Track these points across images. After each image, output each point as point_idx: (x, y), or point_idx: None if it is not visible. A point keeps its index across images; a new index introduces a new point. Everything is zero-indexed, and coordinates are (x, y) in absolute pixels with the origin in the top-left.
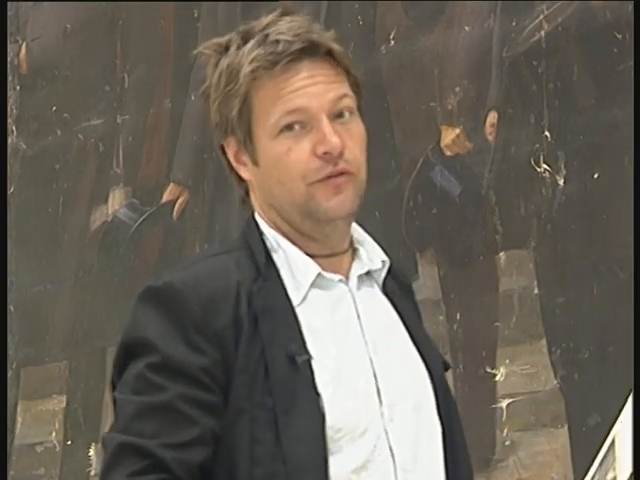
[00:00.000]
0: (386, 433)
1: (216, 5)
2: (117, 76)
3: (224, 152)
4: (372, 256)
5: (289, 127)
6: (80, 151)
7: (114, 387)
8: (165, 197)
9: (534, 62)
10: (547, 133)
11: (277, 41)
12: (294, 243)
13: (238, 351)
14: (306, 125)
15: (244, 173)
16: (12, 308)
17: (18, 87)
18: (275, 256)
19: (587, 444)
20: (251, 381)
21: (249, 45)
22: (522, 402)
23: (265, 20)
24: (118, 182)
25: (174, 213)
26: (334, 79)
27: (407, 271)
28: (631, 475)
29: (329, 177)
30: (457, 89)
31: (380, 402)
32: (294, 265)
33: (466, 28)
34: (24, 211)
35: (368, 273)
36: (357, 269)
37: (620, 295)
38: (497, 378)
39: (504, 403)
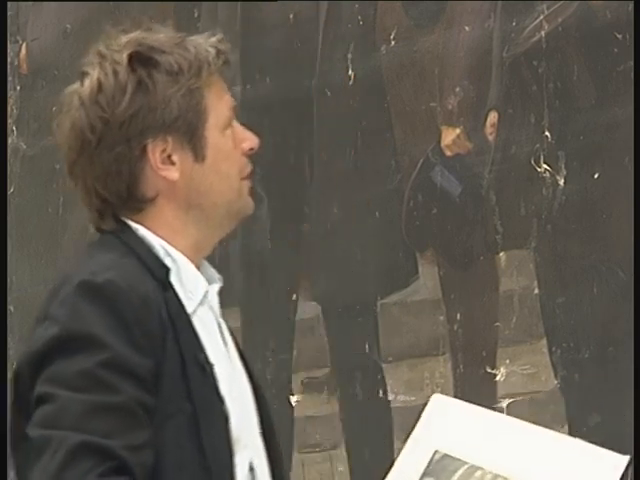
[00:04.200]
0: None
1: (216, 5)
2: None
3: (143, 154)
4: (210, 272)
5: (230, 124)
6: None
7: (19, 378)
8: None
9: (534, 62)
10: (547, 133)
11: (217, 45)
12: (182, 253)
13: (165, 355)
14: None
15: (172, 173)
16: (12, 308)
17: (18, 87)
18: (165, 263)
19: None
20: (174, 386)
21: (200, 43)
22: (522, 402)
23: (165, 36)
24: None
25: None
26: None
27: None
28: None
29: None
30: (457, 89)
31: (243, 413)
32: (184, 276)
33: (466, 28)
34: (24, 211)
35: None
36: (212, 289)
37: (620, 295)
38: (497, 378)
39: (504, 403)
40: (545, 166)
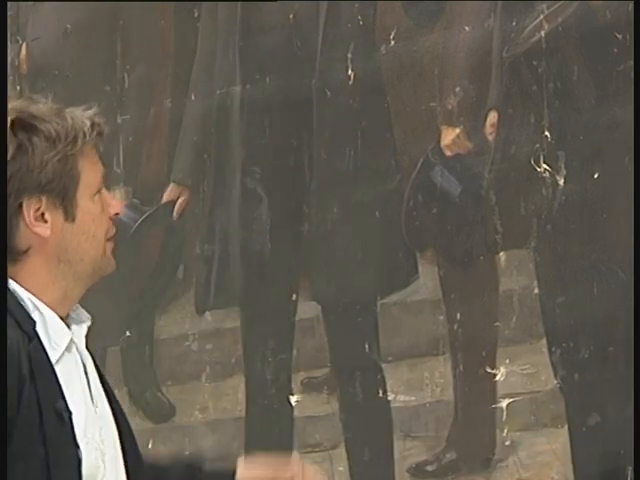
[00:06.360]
0: None
1: (216, 5)
2: (117, 76)
3: (19, 210)
4: (79, 313)
5: (99, 190)
6: None
7: None
8: (165, 197)
9: (534, 62)
10: (547, 133)
11: (92, 117)
12: (48, 306)
13: (20, 405)
14: None
15: (44, 230)
16: None
17: (18, 87)
18: (32, 316)
19: (587, 444)
20: (29, 433)
21: (77, 115)
22: (522, 402)
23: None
24: (118, 182)
25: (174, 213)
26: None
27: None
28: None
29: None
30: (457, 89)
31: (102, 452)
32: (50, 327)
33: (466, 28)
34: None
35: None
36: (80, 330)
37: (620, 295)
38: (497, 378)
39: (504, 403)
40: (545, 166)
